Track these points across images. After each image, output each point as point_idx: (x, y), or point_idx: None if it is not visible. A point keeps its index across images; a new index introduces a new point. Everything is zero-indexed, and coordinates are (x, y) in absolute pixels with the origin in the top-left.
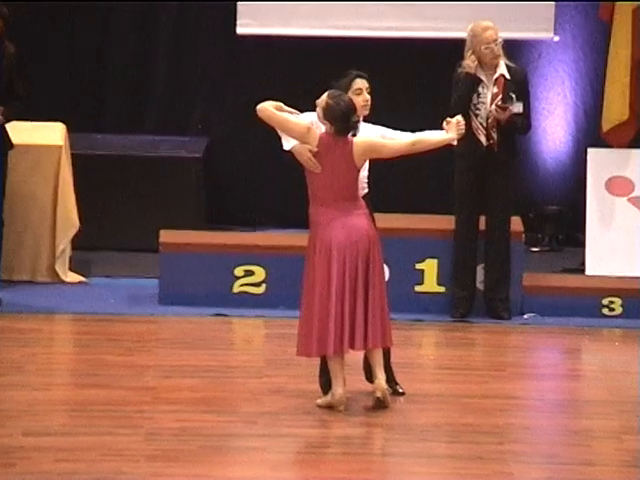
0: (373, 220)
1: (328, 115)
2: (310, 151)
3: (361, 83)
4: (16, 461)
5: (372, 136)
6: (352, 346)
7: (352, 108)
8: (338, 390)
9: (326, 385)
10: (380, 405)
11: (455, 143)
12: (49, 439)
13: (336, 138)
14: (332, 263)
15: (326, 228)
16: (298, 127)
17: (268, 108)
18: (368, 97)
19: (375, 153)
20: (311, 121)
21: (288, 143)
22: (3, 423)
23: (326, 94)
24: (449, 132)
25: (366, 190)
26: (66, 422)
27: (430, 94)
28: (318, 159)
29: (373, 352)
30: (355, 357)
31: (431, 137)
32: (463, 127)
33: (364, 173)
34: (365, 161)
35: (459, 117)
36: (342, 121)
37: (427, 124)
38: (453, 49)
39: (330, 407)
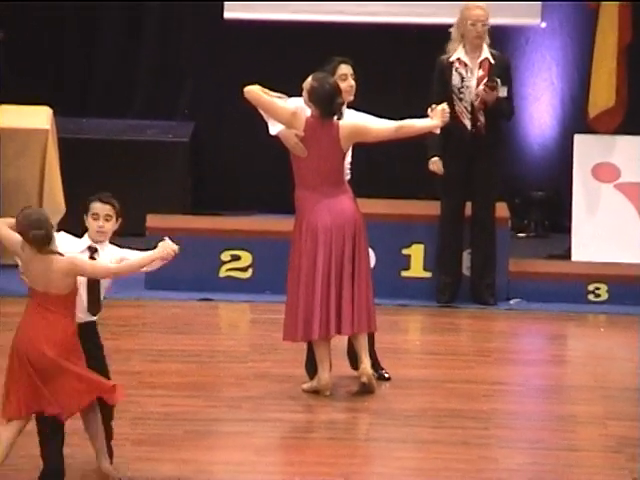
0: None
1: (313, 97)
2: (296, 135)
3: (346, 69)
4: None
5: (358, 120)
6: (338, 331)
7: (337, 90)
8: (324, 375)
9: (312, 370)
10: (365, 390)
11: (438, 131)
12: (33, 424)
13: (322, 121)
14: (318, 247)
15: (312, 212)
16: (284, 111)
17: (255, 90)
18: (353, 83)
19: (361, 137)
20: (297, 106)
21: (274, 128)
22: None
23: (311, 76)
24: (434, 119)
25: (349, 176)
26: None
27: (415, 79)
28: (304, 143)
29: (358, 337)
30: (340, 342)
31: (416, 123)
32: (448, 115)
33: (347, 159)
34: (351, 144)
35: (444, 105)
36: (326, 103)
37: (412, 109)
38: (438, 34)
39: (315, 392)
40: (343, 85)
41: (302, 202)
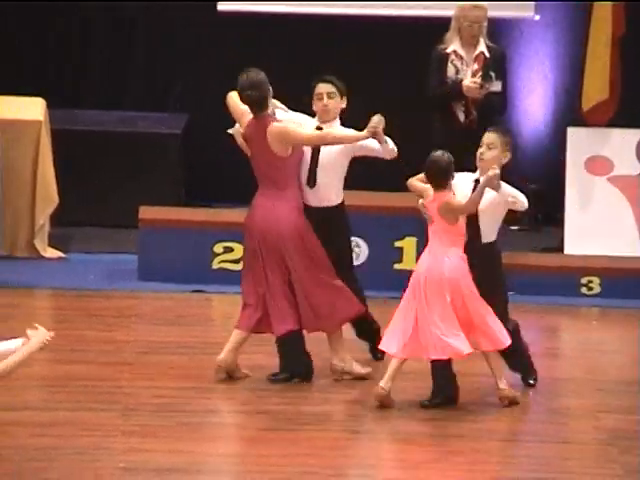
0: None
1: (239, 92)
2: (242, 135)
3: (323, 87)
4: None
5: (289, 123)
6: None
7: (254, 81)
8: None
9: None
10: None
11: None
12: (27, 414)
13: (257, 122)
14: (254, 246)
15: (250, 212)
16: (239, 111)
17: (229, 96)
18: (327, 102)
19: (289, 140)
20: (289, 119)
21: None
22: None
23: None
24: (365, 132)
25: (339, 201)
26: (44, 397)
27: (411, 73)
28: (248, 143)
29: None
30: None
31: (343, 131)
32: (380, 131)
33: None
34: (283, 147)
35: (375, 117)
36: (251, 95)
37: (403, 102)
38: (431, 27)
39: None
40: (318, 105)
41: (253, 199)
